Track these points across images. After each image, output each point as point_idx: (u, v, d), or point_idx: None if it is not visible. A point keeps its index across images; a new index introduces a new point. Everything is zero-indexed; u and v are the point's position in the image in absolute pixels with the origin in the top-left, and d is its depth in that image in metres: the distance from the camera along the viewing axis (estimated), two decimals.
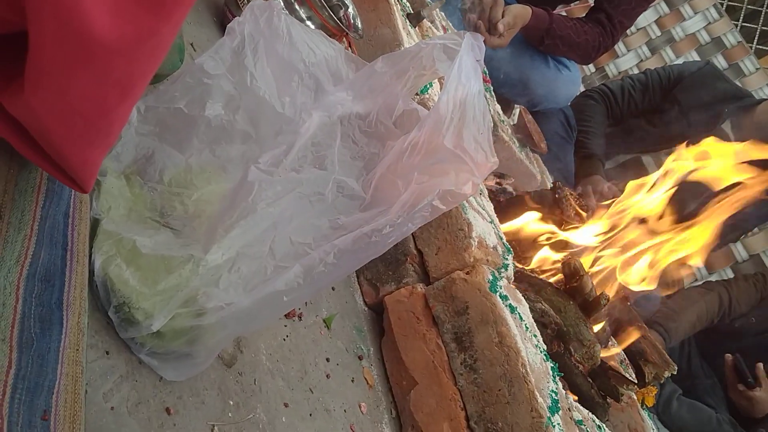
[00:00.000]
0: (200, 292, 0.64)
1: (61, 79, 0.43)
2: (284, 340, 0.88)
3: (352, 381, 0.97)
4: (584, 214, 1.48)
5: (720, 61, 4.12)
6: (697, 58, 4.11)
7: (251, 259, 0.68)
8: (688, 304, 2.27)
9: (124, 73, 0.46)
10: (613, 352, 1.56)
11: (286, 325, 0.90)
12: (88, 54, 0.41)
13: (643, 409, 1.63)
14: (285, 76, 0.75)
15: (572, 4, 3.35)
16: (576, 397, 1.24)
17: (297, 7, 1.11)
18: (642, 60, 4.45)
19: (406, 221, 0.69)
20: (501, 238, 1.21)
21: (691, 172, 1.58)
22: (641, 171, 2.63)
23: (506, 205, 1.50)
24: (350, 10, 1.23)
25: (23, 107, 0.46)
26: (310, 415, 0.84)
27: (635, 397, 1.60)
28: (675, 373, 1.65)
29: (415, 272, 1.12)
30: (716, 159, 1.56)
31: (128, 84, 0.47)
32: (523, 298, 1.15)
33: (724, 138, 2.51)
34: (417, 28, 1.60)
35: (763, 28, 4.45)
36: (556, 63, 2.36)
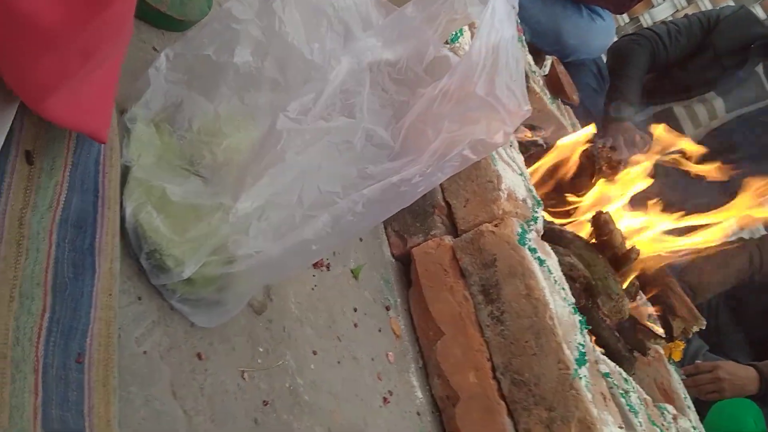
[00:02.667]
0: (230, 240, 0.65)
1: (19, 58, 0.47)
2: (313, 289, 0.89)
3: (379, 331, 0.98)
4: (617, 166, 1.46)
5: (757, 11, 3.99)
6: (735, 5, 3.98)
7: (280, 207, 0.68)
8: (717, 263, 2.22)
9: (79, 48, 0.49)
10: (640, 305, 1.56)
11: (314, 275, 0.90)
12: (36, 37, 0.45)
13: (670, 363, 1.62)
14: (314, 21, 0.74)
15: None
16: (603, 350, 1.24)
17: None
18: (678, 10, 4.32)
19: (435, 171, 0.68)
20: (530, 191, 1.20)
21: None
22: (673, 123, 2.56)
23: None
24: None
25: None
26: (338, 362, 0.85)
27: (662, 352, 1.60)
28: (703, 328, 1.63)
29: (442, 224, 1.12)
30: None
31: (85, 54, 0.50)
32: (551, 251, 1.14)
33: (757, 82, 2.44)
34: None
35: None
36: (590, 12, 2.29)
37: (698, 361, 1.93)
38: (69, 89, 0.52)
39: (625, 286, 1.37)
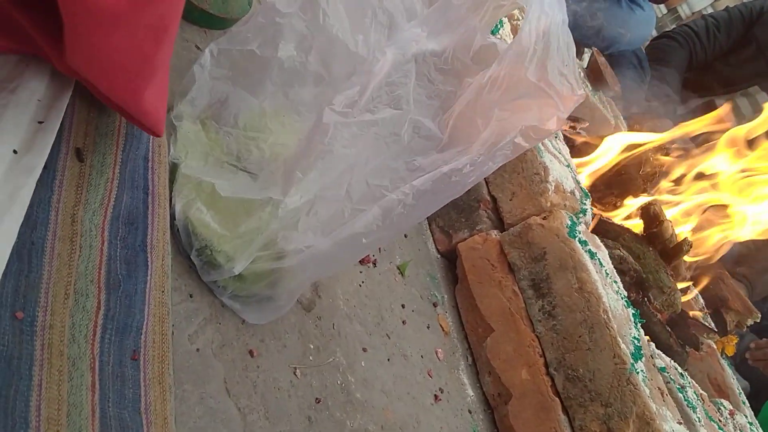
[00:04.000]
0: (279, 235, 0.64)
1: (89, 42, 0.46)
2: (360, 286, 0.87)
3: (428, 328, 0.96)
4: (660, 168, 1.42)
5: None
6: None
7: (329, 201, 0.67)
8: None
9: (149, 25, 0.48)
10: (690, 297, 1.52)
11: (361, 272, 0.89)
12: (101, 19, 0.45)
13: (723, 358, 1.58)
14: (358, 11, 0.73)
15: None
16: (654, 345, 1.21)
17: None
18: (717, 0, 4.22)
19: (486, 160, 0.67)
20: (578, 183, 1.17)
21: None
22: None
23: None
24: None
25: (69, 67, 0.48)
26: (388, 360, 0.84)
27: (715, 346, 1.55)
28: (758, 320, 1.59)
29: (488, 218, 1.10)
30: None
31: (158, 31, 0.49)
32: (601, 243, 1.12)
33: None
34: None
35: None
36: (629, 2, 2.25)
37: None
38: (158, 79, 0.52)
39: (680, 285, 1.34)
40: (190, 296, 0.63)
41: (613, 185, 1.42)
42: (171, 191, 0.64)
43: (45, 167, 0.51)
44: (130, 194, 0.58)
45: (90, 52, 0.46)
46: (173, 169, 0.66)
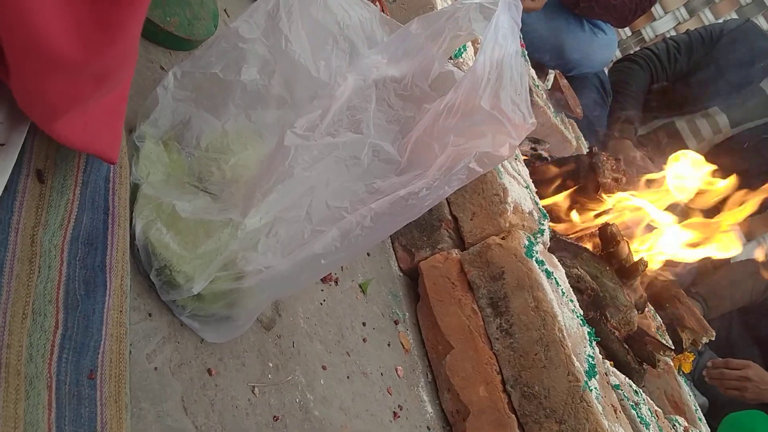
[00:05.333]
0: (239, 256, 0.65)
1: (33, 83, 0.48)
2: (321, 304, 0.89)
3: (389, 345, 0.98)
4: (621, 178, 1.46)
5: (761, 22, 3.99)
6: (738, 18, 3.98)
7: (289, 223, 0.68)
8: (732, 280, 2.21)
9: (94, 73, 0.50)
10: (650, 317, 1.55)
11: (322, 290, 0.91)
12: (52, 65, 0.46)
13: (680, 375, 1.61)
14: (320, 39, 0.75)
15: None
16: (612, 363, 1.24)
17: None
18: (680, 22, 4.32)
19: (442, 184, 0.69)
20: (537, 203, 1.20)
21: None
22: (676, 137, 2.56)
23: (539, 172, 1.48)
24: None
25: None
26: (348, 377, 0.85)
27: (672, 364, 1.59)
28: (713, 339, 1.63)
29: (450, 238, 1.12)
30: None
31: (100, 78, 0.51)
32: (559, 263, 1.15)
33: (761, 97, 2.44)
34: None
35: None
36: (592, 26, 2.31)
37: (729, 358, 1.94)
38: (80, 111, 0.53)
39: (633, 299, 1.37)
40: (149, 315, 0.64)
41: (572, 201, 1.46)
42: (132, 211, 0.65)
43: (5, 188, 0.52)
44: (90, 215, 0.59)
45: (28, 90, 0.48)
46: (134, 189, 0.67)
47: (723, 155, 2.40)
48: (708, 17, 4.27)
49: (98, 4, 0.45)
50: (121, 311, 0.58)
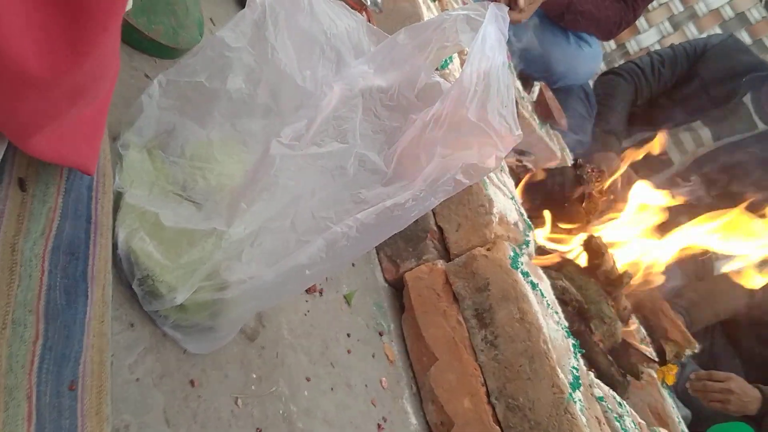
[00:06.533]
0: (223, 266, 0.64)
1: (3, 101, 0.47)
2: (305, 315, 0.88)
3: (373, 356, 0.97)
4: (606, 192, 1.47)
5: (744, 37, 4.05)
6: (722, 33, 4.03)
7: (273, 233, 0.67)
8: (716, 293, 2.23)
9: (65, 91, 0.49)
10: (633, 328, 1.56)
11: (307, 301, 0.90)
12: (21, 84, 0.46)
13: (664, 387, 1.62)
14: (306, 48, 0.75)
15: None
16: (596, 374, 1.24)
17: None
18: (664, 36, 4.38)
19: (428, 195, 0.69)
20: (522, 215, 1.21)
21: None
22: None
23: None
24: None
25: None
26: (332, 389, 0.85)
27: (656, 376, 1.60)
28: (696, 351, 1.64)
29: (435, 249, 1.12)
30: None
31: (73, 96, 0.51)
32: (544, 275, 1.15)
33: (745, 112, 2.47)
34: (437, 1, 1.59)
35: None
36: (577, 39, 2.32)
37: (713, 370, 1.95)
38: (54, 126, 0.53)
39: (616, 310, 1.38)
40: (131, 326, 0.63)
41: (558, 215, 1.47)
42: (115, 220, 0.64)
43: None
44: (72, 224, 0.58)
45: (5, 111, 0.48)
46: (118, 198, 0.66)
47: (705, 168, 2.42)
48: (692, 31, 4.33)
49: (69, 22, 0.45)
50: (102, 321, 0.57)
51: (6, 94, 0.46)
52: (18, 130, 0.51)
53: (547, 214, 1.43)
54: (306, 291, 0.91)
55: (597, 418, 1.00)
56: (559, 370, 0.94)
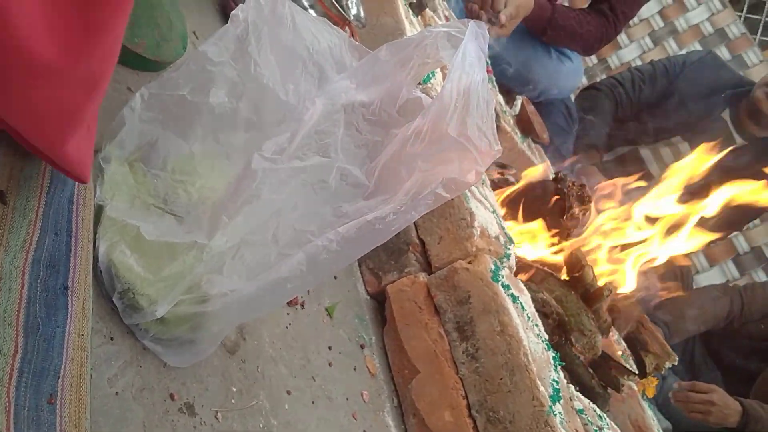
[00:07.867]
0: (204, 279, 0.65)
1: (19, 92, 0.47)
2: (287, 328, 0.88)
3: (354, 369, 0.97)
4: (587, 203, 1.48)
5: (723, 53, 4.11)
6: (701, 50, 4.09)
7: (255, 246, 0.68)
8: (696, 305, 2.25)
9: (81, 78, 0.49)
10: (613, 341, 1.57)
11: (288, 313, 0.90)
12: (35, 72, 0.46)
13: (644, 399, 1.63)
14: (289, 63, 0.75)
15: None
16: (577, 387, 1.25)
17: None
18: (645, 51, 4.43)
19: (409, 209, 0.69)
20: (503, 228, 1.22)
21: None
22: (639, 164, 2.62)
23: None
24: None
25: None
26: (313, 402, 0.85)
27: (636, 388, 1.61)
28: (675, 363, 1.65)
29: (417, 261, 1.13)
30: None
31: (89, 84, 0.51)
32: (524, 287, 1.16)
33: (723, 126, 2.51)
34: (420, 17, 1.60)
35: (767, 19, 4.43)
36: (559, 54, 2.35)
37: (696, 381, 1.97)
38: (82, 130, 0.53)
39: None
40: (111, 339, 0.63)
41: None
42: (95, 233, 0.64)
43: None
44: (52, 237, 0.59)
45: (19, 102, 0.47)
46: (99, 211, 0.66)
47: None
48: (672, 46, 4.38)
49: (81, 6, 0.45)
50: (82, 335, 0.57)
51: (23, 82, 0.46)
52: (52, 135, 0.51)
53: (540, 222, 1.45)
54: (287, 303, 0.91)
55: (577, 431, 1.00)
56: (540, 383, 0.94)
